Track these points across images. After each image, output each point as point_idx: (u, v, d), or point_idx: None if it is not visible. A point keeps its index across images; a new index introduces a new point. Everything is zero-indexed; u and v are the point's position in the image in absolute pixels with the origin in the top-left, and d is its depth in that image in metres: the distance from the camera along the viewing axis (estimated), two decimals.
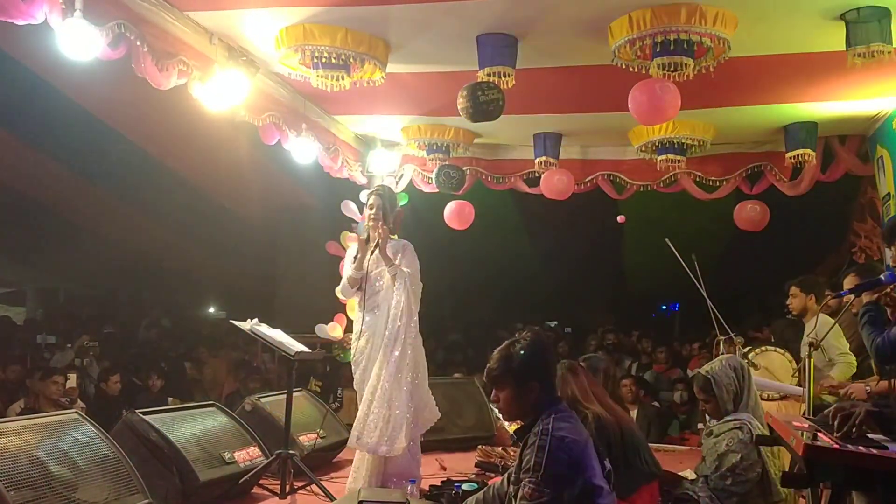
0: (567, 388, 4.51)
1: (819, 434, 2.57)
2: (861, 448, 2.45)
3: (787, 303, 6.03)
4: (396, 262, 5.16)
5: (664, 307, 18.38)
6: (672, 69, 4.77)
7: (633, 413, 7.71)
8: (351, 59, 5.22)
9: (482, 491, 3.58)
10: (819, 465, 2.45)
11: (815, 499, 3.02)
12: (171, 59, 4.92)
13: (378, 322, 5.17)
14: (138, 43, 4.60)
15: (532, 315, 14.60)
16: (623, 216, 8.36)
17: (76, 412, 4.51)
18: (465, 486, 4.95)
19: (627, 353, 10.82)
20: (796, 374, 5.52)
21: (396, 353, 5.05)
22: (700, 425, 7.93)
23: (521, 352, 3.20)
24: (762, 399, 4.98)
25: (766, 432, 4.09)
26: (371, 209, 5.27)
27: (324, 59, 5.19)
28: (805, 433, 2.61)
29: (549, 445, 2.96)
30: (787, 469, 4.42)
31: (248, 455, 5.34)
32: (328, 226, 8.63)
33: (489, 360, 3.28)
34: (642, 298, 16.34)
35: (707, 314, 6.24)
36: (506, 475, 3.48)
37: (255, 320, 5.50)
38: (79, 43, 4.26)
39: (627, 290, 15.10)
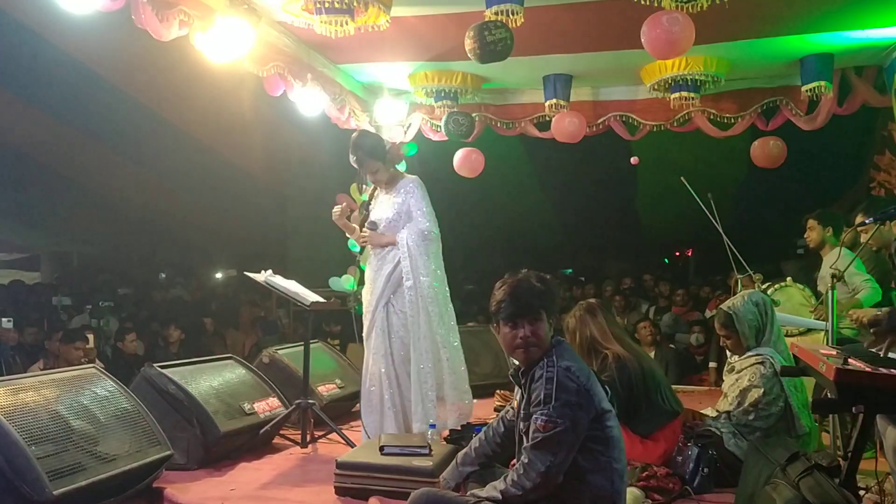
0: (586, 329, 4.49)
1: (849, 359, 2.52)
2: (893, 370, 2.40)
3: (805, 236, 5.96)
4: (402, 200, 5.04)
5: (677, 252, 18.30)
6: (685, 1, 4.64)
7: (651, 356, 7.71)
8: (354, 3, 5.07)
9: (482, 432, 3.57)
10: (850, 389, 2.41)
11: (843, 429, 2.98)
12: (171, 8, 4.81)
13: (379, 274, 5.05)
14: None
15: (545, 263, 14.55)
16: (636, 157, 8.24)
17: (94, 367, 4.51)
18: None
19: (644, 297, 10.77)
20: (815, 309, 5.46)
21: (393, 321, 4.95)
22: (712, 364, 7.96)
23: (549, 281, 3.20)
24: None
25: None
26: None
27: (326, 4, 5.04)
28: (835, 358, 2.56)
29: (556, 376, 2.96)
30: (809, 402, 4.41)
31: (268, 406, 5.35)
32: (337, 178, 8.56)
33: (515, 294, 3.12)
34: (655, 243, 16.24)
35: (722, 257, 6.17)
36: (500, 416, 3.50)
37: (269, 272, 5.46)
38: None
39: (641, 235, 15.00)
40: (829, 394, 2.77)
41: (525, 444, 3.03)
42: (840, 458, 2.91)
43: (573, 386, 2.94)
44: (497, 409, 6.04)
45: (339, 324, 9.64)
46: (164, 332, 8.74)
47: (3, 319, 7.61)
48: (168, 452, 4.21)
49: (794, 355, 3.37)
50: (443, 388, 4.93)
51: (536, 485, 2.92)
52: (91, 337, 7.37)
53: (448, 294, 5.07)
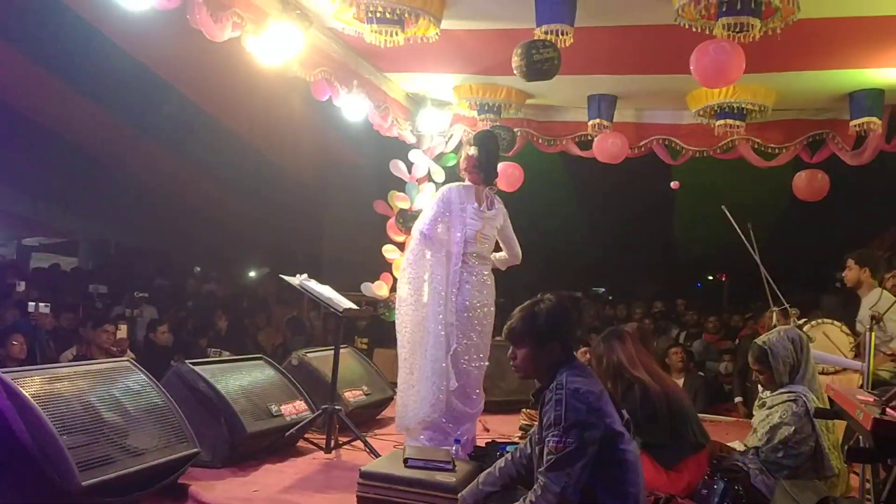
0: (613, 355, 4.45)
1: (888, 409, 2.48)
2: None
3: (843, 274, 5.91)
4: None
5: (711, 277, 18.12)
6: (737, 30, 4.62)
7: (680, 382, 7.63)
8: (406, 14, 5.13)
9: (509, 452, 3.58)
10: (887, 439, 2.37)
11: (875, 474, 2.94)
12: (225, 10, 4.88)
13: None
14: None
15: (577, 281, 14.50)
16: (677, 182, 8.18)
17: (128, 360, 4.58)
18: (509, 448, 4.92)
19: (675, 322, 10.69)
20: (854, 348, 5.39)
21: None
22: (738, 399, 7.85)
23: (545, 312, 3.26)
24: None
25: (823, 406, 3.99)
26: None
27: (378, 14, 5.11)
28: (872, 407, 2.52)
29: (564, 398, 3.03)
30: (840, 443, 4.35)
31: (295, 409, 5.38)
32: (377, 185, 8.60)
33: (510, 318, 3.34)
34: (689, 268, 16.10)
35: (755, 286, 6.10)
36: (528, 436, 3.50)
37: (305, 276, 5.51)
38: None
39: (675, 259, 14.89)
40: (862, 441, 2.72)
41: (540, 467, 3.07)
42: None
43: (582, 407, 3.00)
44: (522, 428, 6.01)
45: (371, 327, 9.68)
46: (195, 331, 8.84)
47: (41, 304, 7.73)
48: (195, 450, 4.25)
49: (829, 397, 3.32)
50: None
51: None
52: (125, 327, 7.46)
53: (426, 307, 4.94)
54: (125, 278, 13.62)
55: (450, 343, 4.88)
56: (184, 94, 9.12)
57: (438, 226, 4.94)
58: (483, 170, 5.11)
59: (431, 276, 4.92)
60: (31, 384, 3.63)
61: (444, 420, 4.91)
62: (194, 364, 5.00)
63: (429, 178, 8.02)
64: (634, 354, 4.47)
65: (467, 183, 5.14)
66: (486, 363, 5.16)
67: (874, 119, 6.56)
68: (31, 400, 3.51)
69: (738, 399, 7.87)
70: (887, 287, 5.80)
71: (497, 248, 5.42)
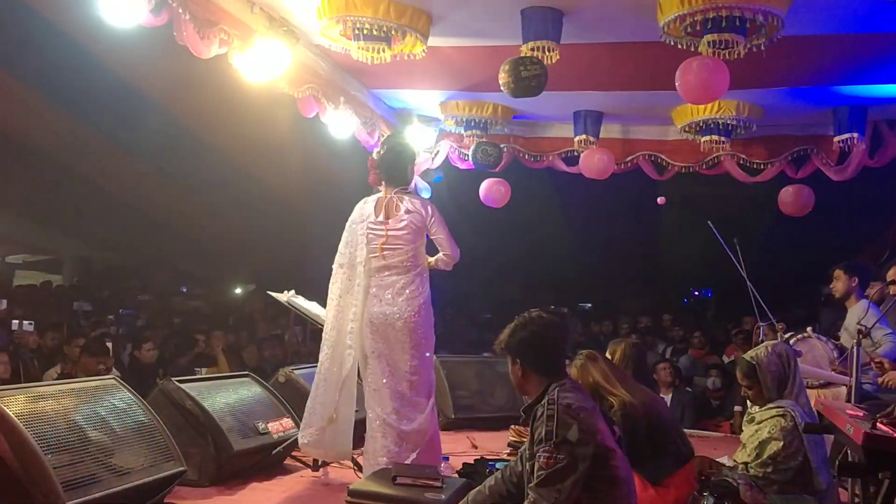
0: (588, 377, 4.43)
1: (878, 423, 2.49)
2: None
3: (831, 286, 5.92)
4: None
5: (697, 292, 18.16)
6: (722, 47, 4.66)
7: (668, 398, 7.62)
8: (392, 32, 5.14)
9: (499, 470, 3.56)
10: (878, 454, 2.38)
11: (865, 489, 2.94)
12: (212, 27, 4.88)
13: None
14: (180, 10, 4.56)
15: (563, 296, 14.50)
16: (663, 197, 8.22)
17: (113, 378, 4.53)
18: (498, 465, 4.89)
19: (661, 337, 10.70)
20: (835, 362, 5.40)
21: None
22: (737, 408, 7.84)
23: (517, 330, 3.31)
24: None
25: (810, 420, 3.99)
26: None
27: (365, 31, 5.11)
28: (862, 421, 2.53)
29: (556, 413, 3.02)
30: (828, 457, 4.35)
31: (282, 426, 5.33)
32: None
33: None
34: (675, 282, 16.14)
35: (742, 301, 6.12)
36: (519, 454, 3.48)
37: (292, 292, 5.49)
38: (121, 8, 4.24)
39: (661, 274, 14.93)
40: (850, 454, 2.73)
41: (531, 483, 3.05)
42: None
43: (573, 423, 2.99)
44: (511, 445, 5.98)
45: None
46: (180, 348, 8.75)
47: (25, 322, 7.66)
48: (182, 468, 4.21)
49: (818, 412, 3.33)
50: None
51: None
52: (110, 345, 7.39)
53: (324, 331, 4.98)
54: (109, 296, 13.55)
55: (356, 367, 4.75)
56: (169, 112, 9.11)
57: (348, 249, 4.92)
58: (384, 171, 4.98)
59: (340, 300, 4.90)
60: (14, 403, 3.59)
61: (391, 442, 4.70)
62: (180, 382, 4.96)
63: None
64: (609, 372, 4.47)
65: (373, 196, 5.05)
66: (415, 377, 4.76)
67: (857, 135, 6.63)
68: (15, 419, 3.47)
69: (737, 408, 7.84)
70: (872, 297, 5.83)
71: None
